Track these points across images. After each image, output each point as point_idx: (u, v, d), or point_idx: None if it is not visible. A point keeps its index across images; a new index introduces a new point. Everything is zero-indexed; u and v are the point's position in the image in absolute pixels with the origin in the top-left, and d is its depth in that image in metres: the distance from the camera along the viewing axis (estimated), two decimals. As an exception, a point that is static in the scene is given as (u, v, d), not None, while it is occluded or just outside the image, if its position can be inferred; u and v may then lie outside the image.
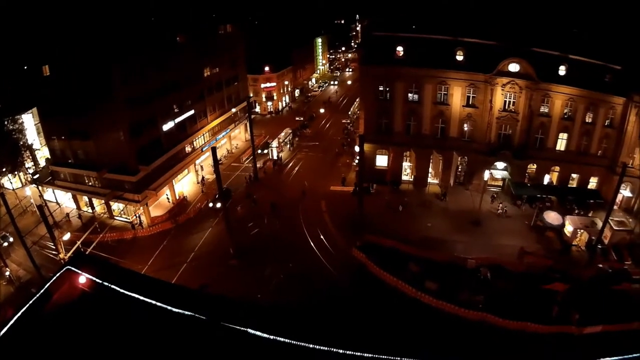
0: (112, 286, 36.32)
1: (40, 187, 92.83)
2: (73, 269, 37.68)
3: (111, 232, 79.54)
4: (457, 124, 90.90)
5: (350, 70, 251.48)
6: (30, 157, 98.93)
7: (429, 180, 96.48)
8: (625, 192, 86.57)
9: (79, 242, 59.02)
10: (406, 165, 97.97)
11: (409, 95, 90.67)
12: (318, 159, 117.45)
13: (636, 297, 63.91)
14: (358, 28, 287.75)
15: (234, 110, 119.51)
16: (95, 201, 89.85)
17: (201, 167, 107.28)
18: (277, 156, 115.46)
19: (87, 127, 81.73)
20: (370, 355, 31.33)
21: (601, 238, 72.92)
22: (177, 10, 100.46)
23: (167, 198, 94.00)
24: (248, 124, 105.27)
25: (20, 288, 68.72)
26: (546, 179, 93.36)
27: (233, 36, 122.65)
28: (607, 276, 67.09)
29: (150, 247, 78.47)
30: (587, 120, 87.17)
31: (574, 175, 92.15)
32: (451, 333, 57.10)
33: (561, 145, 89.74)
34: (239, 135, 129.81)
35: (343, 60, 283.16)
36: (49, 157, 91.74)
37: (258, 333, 32.25)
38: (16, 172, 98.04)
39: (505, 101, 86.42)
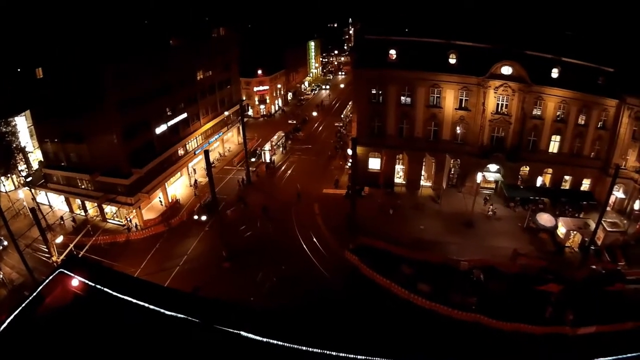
0: (105, 289, 36.11)
1: (33, 190, 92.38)
2: (66, 272, 37.45)
3: (104, 235, 79.34)
4: (449, 126, 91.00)
5: (343, 73, 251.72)
6: (24, 159, 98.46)
7: (422, 183, 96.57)
8: (618, 193, 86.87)
9: (71, 245, 58.65)
10: (399, 168, 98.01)
11: (402, 98, 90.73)
12: (311, 162, 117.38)
13: (630, 298, 64.21)
14: (351, 31, 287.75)
15: (226, 113, 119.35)
16: (88, 204, 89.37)
17: (194, 170, 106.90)
18: (270, 159, 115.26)
19: (80, 129, 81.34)
20: (363, 357, 31.22)
21: (594, 239, 73.18)
22: (171, 13, 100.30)
23: (160, 201, 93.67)
24: (241, 127, 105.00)
25: (12, 291, 68.34)
26: (539, 181, 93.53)
27: (226, 39, 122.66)
28: (601, 277, 67.40)
29: (143, 250, 78.12)
30: (579, 123, 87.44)
31: (567, 177, 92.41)
32: (445, 335, 57.10)
33: (554, 147, 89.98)
34: (232, 139, 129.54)
35: (336, 63, 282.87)
36: (42, 159, 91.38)
37: (251, 336, 32.11)
38: (9, 175, 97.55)
39: (497, 104, 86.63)
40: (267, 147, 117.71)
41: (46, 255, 67.86)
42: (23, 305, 34.46)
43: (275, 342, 31.79)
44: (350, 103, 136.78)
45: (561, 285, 63.09)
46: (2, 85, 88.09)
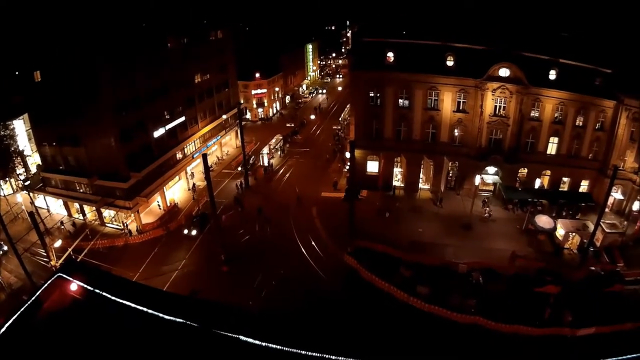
0: (104, 293, 36.20)
1: (31, 194, 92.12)
2: (64, 276, 37.55)
3: (102, 239, 79.10)
4: (447, 129, 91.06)
5: (341, 76, 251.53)
6: (22, 163, 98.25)
7: (420, 185, 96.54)
8: (616, 194, 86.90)
9: (70, 249, 58.70)
10: (397, 170, 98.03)
11: (400, 100, 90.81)
12: (309, 165, 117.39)
13: (629, 299, 64.29)
14: (349, 34, 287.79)
15: (224, 116, 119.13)
16: (87, 208, 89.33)
17: (192, 173, 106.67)
18: (268, 162, 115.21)
19: (78, 133, 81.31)
20: (362, 360, 31.39)
21: (593, 240, 73.08)
22: (169, 15, 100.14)
23: (158, 205, 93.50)
24: (239, 131, 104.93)
25: (11, 295, 68.23)
26: (537, 183, 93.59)
27: (224, 42, 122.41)
28: (600, 278, 67.37)
29: (141, 254, 78.02)
30: (577, 124, 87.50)
31: (565, 179, 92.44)
32: (444, 337, 57.09)
33: (552, 149, 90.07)
34: (230, 142, 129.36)
35: (334, 66, 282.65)
36: (40, 163, 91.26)
37: (250, 340, 32.17)
38: (7, 179, 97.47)
39: (495, 106, 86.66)
40: (265, 150, 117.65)
41: (45, 259, 67.67)
42: (22, 309, 34.52)
43: (273, 346, 31.81)
44: (348, 106, 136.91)
45: (560, 287, 63.02)
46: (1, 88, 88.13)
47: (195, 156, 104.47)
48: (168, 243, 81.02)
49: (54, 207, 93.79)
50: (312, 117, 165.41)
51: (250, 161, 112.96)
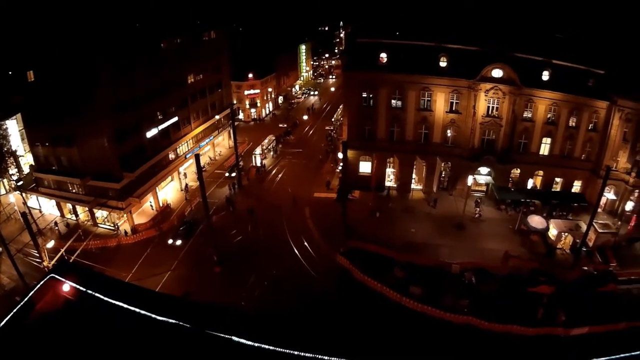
0: (96, 294, 36.05)
1: (24, 194, 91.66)
2: (57, 277, 37.38)
3: (95, 240, 78.77)
4: (440, 129, 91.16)
5: (334, 77, 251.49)
6: (14, 163, 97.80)
7: (413, 186, 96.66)
8: (609, 194, 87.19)
9: (62, 250, 58.44)
10: (390, 171, 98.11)
11: (393, 101, 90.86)
12: (302, 166, 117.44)
13: (622, 298, 64.60)
14: (342, 35, 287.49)
15: (217, 117, 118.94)
16: (79, 208, 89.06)
17: (185, 174, 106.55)
18: (261, 163, 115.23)
19: (71, 133, 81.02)
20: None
21: (586, 241, 73.26)
22: (162, 15, 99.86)
23: (151, 205, 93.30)
24: (232, 131, 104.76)
25: (3, 296, 67.72)
26: (530, 183, 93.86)
27: (217, 42, 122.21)
28: (593, 278, 67.60)
29: (134, 254, 77.84)
30: (570, 125, 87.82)
31: (558, 179, 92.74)
32: (437, 337, 57.17)
33: (545, 149, 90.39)
34: (223, 142, 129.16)
35: (327, 67, 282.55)
36: (33, 163, 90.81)
37: (242, 340, 32.11)
38: (0, 179, 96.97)
39: (488, 107, 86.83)
40: (258, 151, 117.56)
41: (37, 260, 67.41)
42: (14, 310, 34.32)
43: (266, 346, 31.75)
44: (341, 106, 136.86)
45: (553, 287, 63.20)
46: None
47: (188, 156, 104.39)
48: (161, 244, 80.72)
49: (46, 208, 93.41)
50: (305, 117, 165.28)
51: (240, 166, 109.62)
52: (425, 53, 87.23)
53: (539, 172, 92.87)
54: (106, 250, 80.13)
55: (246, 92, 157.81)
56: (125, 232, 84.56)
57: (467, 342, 56.91)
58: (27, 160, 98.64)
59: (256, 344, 31.79)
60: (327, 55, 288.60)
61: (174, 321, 33.47)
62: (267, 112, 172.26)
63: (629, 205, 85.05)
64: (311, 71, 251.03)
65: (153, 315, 34.00)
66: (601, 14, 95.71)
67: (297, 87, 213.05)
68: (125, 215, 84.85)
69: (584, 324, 58.03)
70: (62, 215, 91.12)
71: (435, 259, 72.85)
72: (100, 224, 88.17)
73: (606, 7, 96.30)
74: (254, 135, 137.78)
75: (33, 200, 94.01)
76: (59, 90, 77.62)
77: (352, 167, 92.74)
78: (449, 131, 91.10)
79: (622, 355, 36.56)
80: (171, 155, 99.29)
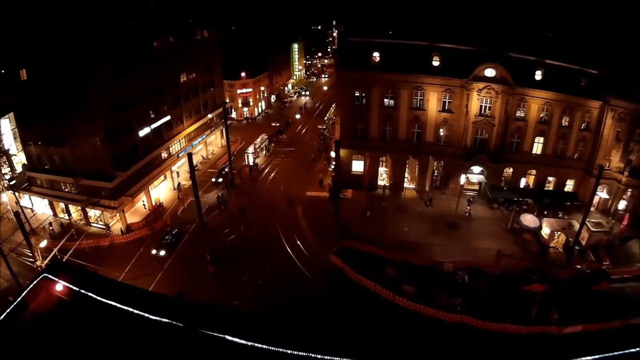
0: (89, 294, 35.88)
1: (16, 194, 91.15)
2: (50, 276, 37.18)
3: (88, 239, 78.40)
4: (433, 128, 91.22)
5: (327, 76, 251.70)
6: (7, 162, 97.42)
7: (406, 185, 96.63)
8: (602, 193, 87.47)
9: (55, 250, 58.09)
10: (382, 170, 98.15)
11: (385, 100, 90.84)
12: (294, 165, 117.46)
13: (615, 297, 64.91)
14: (335, 34, 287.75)
15: (210, 116, 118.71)
16: (72, 208, 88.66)
17: (177, 173, 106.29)
18: (253, 162, 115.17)
19: (64, 132, 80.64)
20: (349, 360, 31.29)
21: (579, 239, 73.42)
22: (154, 15, 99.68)
23: (144, 204, 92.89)
24: (224, 130, 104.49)
25: (-4, 296, 67.59)
26: (522, 182, 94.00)
27: (210, 41, 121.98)
28: (586, 276, 67.89)
29: (127, 254, 77.51)
30: (563, 124, 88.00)
31: (551, 178, 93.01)
32: (430, 336, 57.18)
33: (537, 148, 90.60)
34: (215, 141, 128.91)
35: (319, 66, 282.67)
36: (26, 162, 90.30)
37: (236, 339, 32.01)
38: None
39: (481, 106, 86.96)
40: (251, 149, 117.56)
41: (30, 259, 67.01)
42: (7, 311, 34.13)
43: (260, 345, 31.66)
44: (333, 105, 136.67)
45: (546, 285, 63.38)
46: None
47: (180, 155, 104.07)
48: (154, 243, 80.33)
49: (39, 207, 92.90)
50: (298, 116, 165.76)
51: (224, 172, 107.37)
52: (418, 52, 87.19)
53: (531, 171, 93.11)
54: (99, 249, 79.67)
55: (239, 91, 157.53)
56: (122, 231, 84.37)
57: (460, 341, 56.97)
58: (19, 159, 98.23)
59: (249, 343, 31.70)
60: (319, 54, 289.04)
61: (167, 320, 33.34)
62: (260, 111, 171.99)
63: (622, 204, 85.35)
64: (304, 70, 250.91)
65: (146, 315, 33.86)
66: (594, 14, 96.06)
67: (289, 86, 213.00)
68: (117, 214, 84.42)
69: (577, 323, 58.23)
70: (55, 215, 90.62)
71: (428, 258, 72.93)
72: (93, 223, 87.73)
73: (599, 8, 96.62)
74: (246, 134, 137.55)
75: (26, 200, 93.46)
76: (51, 89, 77.15)
77: (344, 166, 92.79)
78: (441, 130, 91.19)
79: (615, 353, 36.63)
80: (164, 154, 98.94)
